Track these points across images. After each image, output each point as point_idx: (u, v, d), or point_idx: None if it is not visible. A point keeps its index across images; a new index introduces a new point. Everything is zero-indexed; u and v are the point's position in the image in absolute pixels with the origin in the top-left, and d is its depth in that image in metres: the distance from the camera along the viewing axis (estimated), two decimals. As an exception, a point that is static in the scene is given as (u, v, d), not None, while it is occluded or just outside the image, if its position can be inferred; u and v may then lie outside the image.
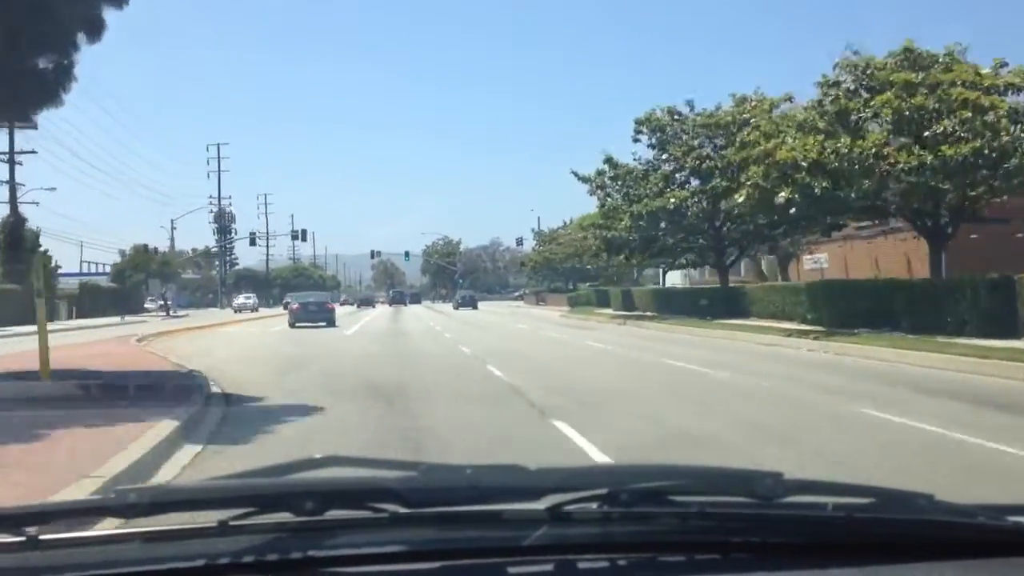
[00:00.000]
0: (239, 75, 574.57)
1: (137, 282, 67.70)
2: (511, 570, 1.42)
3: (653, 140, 36.02)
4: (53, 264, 56.44)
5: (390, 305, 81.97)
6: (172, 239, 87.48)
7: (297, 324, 35.15)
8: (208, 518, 1.45)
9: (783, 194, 21.57)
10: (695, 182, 34.14)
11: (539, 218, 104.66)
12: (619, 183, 37.19)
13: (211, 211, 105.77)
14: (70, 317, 52.07)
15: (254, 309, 68.68)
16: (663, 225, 34.80)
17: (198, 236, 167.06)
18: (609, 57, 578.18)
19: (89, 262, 76.36)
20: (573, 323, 41.13)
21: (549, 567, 1.44)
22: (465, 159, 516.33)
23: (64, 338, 24.77)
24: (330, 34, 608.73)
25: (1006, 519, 1.63)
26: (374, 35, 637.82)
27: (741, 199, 24.48)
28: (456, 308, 69.63)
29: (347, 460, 1.73)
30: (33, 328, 27.56)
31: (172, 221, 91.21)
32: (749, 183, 23.17)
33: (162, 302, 63.10)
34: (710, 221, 34.27)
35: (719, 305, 33.07)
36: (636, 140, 36.47)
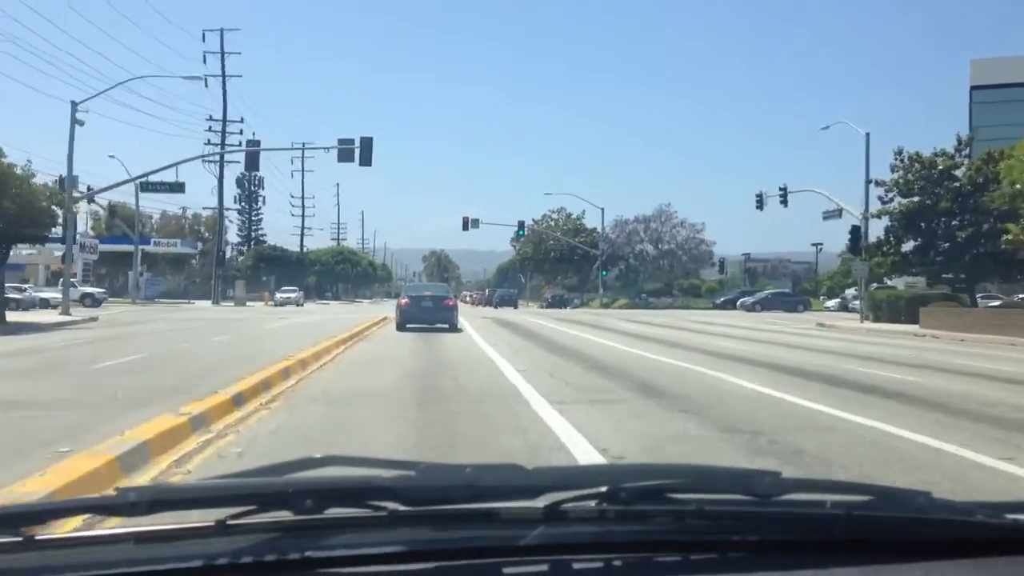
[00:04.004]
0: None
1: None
2: (507, 570, 1.42)
3: None
4: None
5: (495, 308, 63.93)
6: (71, 146, 36.21)
7: (408, 326, 25.64)
8: (207, 516, 1.46)
9: None
10: None
11: (869, 134, 39.22)
12: None
13: (209, 140, 64.54)
14: None
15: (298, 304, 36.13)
16: None
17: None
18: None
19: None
20: None
21: (544, 567, 1.44)
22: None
23: None
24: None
25: (1005, 517, 1.62)
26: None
27: None
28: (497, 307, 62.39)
29: (346, 459, 1.74)
30: None
31: (74, 104, 36.16)
32: None
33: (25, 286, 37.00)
34: None
35: None
36: None
